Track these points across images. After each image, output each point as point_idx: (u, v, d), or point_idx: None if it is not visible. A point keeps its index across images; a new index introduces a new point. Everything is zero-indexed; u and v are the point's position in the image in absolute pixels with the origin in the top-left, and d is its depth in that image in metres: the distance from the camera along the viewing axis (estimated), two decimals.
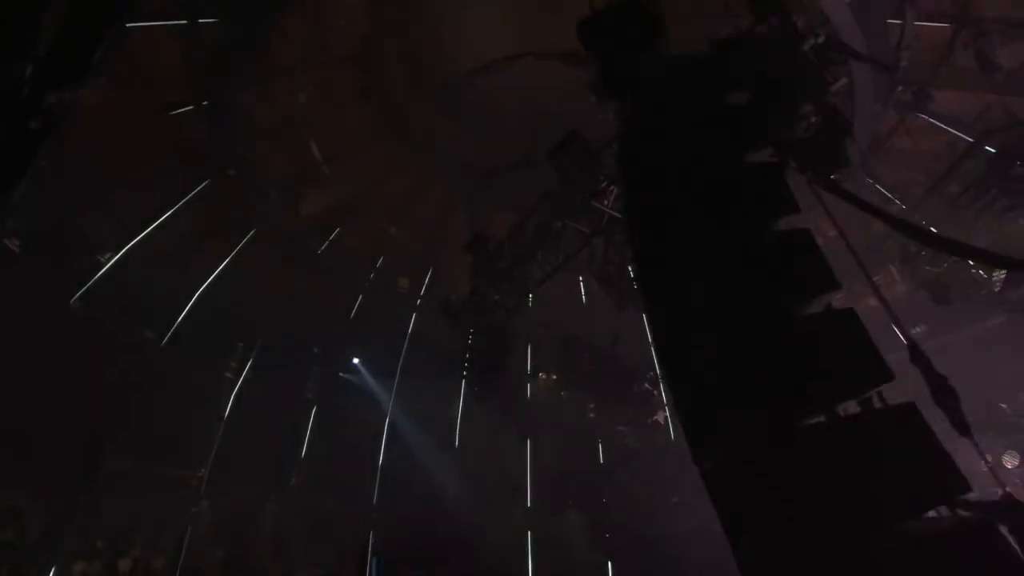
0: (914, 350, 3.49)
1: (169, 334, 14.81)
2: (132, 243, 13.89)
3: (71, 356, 12.71)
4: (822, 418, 2.78)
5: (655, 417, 11.97)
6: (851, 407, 2.84)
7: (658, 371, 10.24)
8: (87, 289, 13.39)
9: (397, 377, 17.54)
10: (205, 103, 12.71)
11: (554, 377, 15.88)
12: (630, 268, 8.15)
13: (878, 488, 2.48)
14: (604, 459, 17.02)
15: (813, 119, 5.44)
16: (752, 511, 2.71)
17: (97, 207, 13.57)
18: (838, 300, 3.33)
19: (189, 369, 14.70)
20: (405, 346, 17.28)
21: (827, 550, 2.41)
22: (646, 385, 10.02)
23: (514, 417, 14.27)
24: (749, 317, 3.10)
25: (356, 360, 17.46)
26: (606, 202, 7.88)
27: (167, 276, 14.72)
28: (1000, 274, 8.61)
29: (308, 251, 16.41)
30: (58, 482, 13.04)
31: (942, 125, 10.49)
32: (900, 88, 9.49)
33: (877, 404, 2.86)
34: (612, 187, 7.53)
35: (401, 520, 17.94)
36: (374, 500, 17.97)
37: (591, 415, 16.55)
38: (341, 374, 17.41)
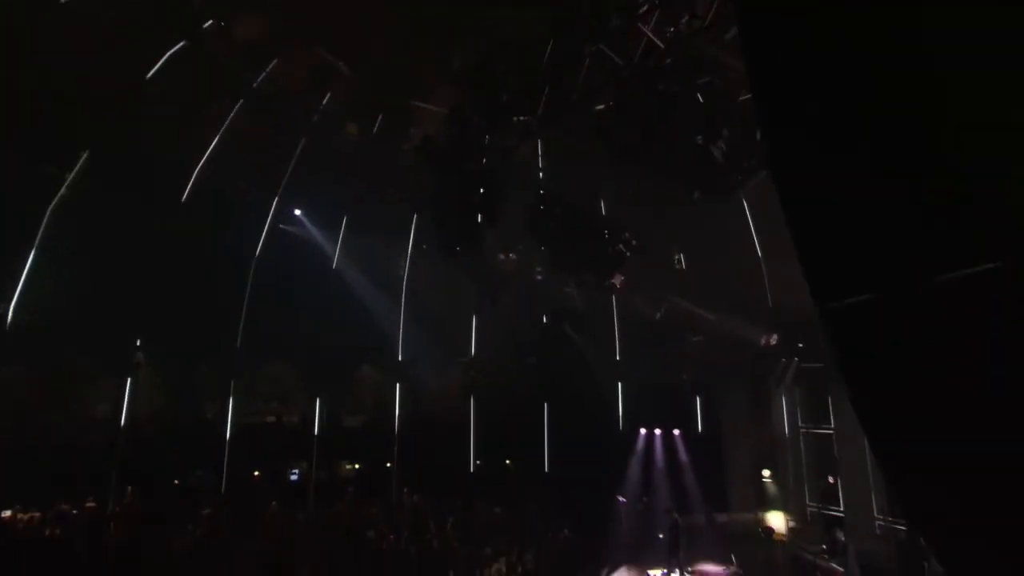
0: None
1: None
2: None
3: None
4: (966, 272, 2.57)
5: (613, 280, 12.30)
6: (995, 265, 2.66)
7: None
8: None
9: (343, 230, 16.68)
10: None
11: (517, 250, 15.73)
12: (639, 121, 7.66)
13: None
14: (549, 320, 17.73)
15: None
16: (878, 358, 2.63)
17: None
18: None
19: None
20: (355, 197, 16.18)
21: (953, 403, 2.37)
22: (620, 246, 10.07)
23: (474, 276, 14.22)
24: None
25: (298, 212, 16.29)
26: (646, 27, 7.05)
27: None
28: None
29: (241, 84, 14.21)
30: None
31: None
32: None
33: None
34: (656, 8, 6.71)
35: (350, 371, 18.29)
36: (321, 354, 18.02)
37: (538, 277, 16.94)
38: (282, 226, 16.27)
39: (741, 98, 7.07)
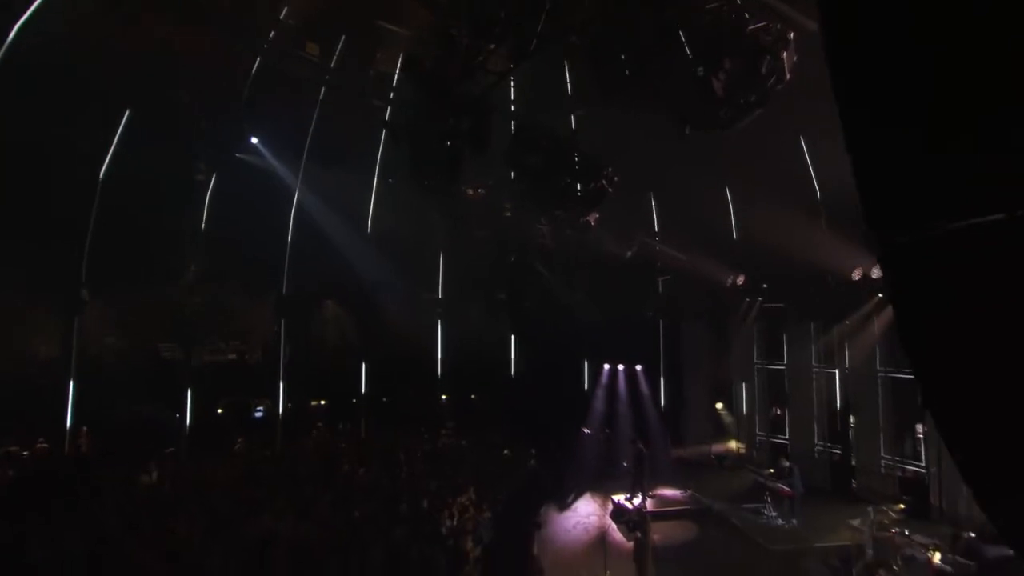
0: None
1: None
2: None
3: None
4: None
5: (588, 217, 12.15)
6: None
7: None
8: None
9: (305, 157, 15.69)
10: None
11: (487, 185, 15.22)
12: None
13: None
14: (519, 256, 17.57)
15: None
16: (935, 298, 2.51)
17: None
18: None
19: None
20: (314, 123, 15.16)
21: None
22: (602, 182, 9.80)
23: (444, 210, 13.78)
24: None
25: (255, 139, 15.16)
26: None
27: None
28: None
29: None
30: None
31: None
32: None
33: None
34: None
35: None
36: (284, 290, 17.48)
37: (507, 214, 16.63)
38: (238, 155, 15.16)
39: (749, 27, 6.74)
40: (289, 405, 17.90)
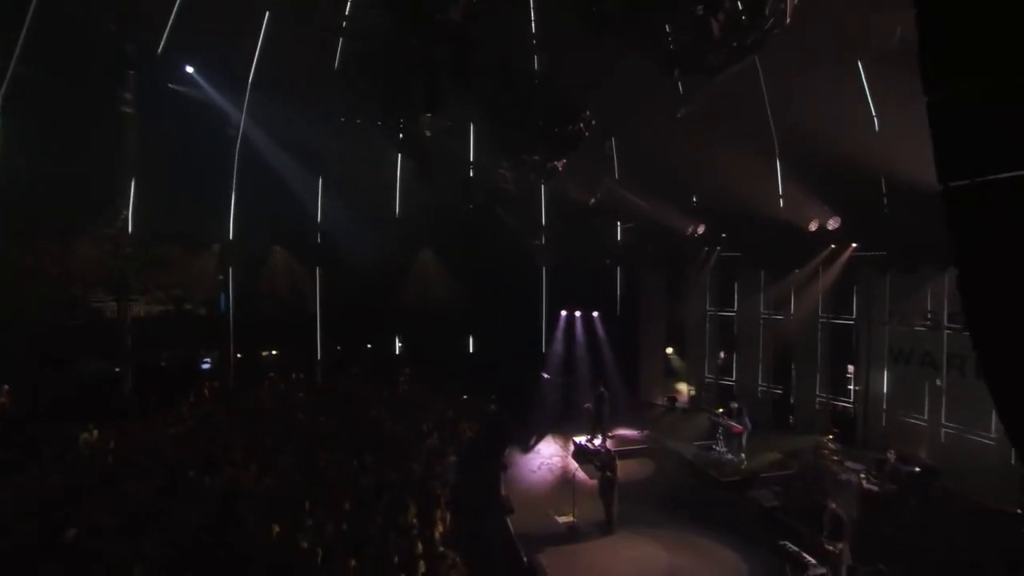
0: None
1: None
2: None
3: None
4: None
5: (556, 162, 11.88)
6: None
7: None
8: None
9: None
10: None
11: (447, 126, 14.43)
12: None
13: None
14: (481, 201, 17.11)
15: None
16: (997, 242, 2.47)
17: None
18: None
19: None
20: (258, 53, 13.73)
21: None
22: (580, 125, 9.46)
23: (407, 151, 13.03)
24: None
25: (191, 68, 13.63)
26: None
27: None
28: None
29: None
30: None
31: None
32: None
33: None
34: None
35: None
36: (230, 235, 16.38)
37: (467, 156, 16.02)
38: (171, 85, 13.62)
39: None
40: (239, 356, 17.19)
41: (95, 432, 11.73)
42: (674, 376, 18.27)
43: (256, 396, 15.10)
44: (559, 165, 12.01)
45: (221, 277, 17.60)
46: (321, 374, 17.42)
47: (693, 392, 17.72)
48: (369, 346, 20.21)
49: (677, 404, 17.41)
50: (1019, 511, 10.00)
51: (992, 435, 11.70)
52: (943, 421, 12.62)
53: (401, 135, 11.35)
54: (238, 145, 14.92)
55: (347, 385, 16.83)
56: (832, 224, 12.53)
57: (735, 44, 6.65)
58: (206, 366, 17.46)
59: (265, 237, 16.59)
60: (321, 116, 14.48)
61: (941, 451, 12.05)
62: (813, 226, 12.92)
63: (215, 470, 10.14)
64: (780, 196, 12.80)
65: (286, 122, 14.54)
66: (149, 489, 9.41)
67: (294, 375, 16.71)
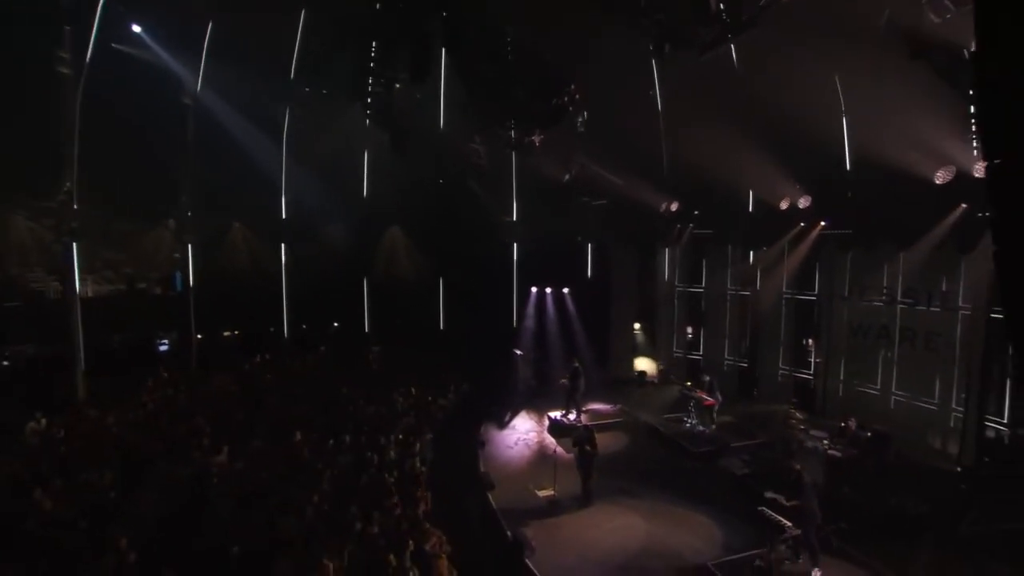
0: None
1: None
2: None
3: None
4: None
5: (533, 137, 11.67)
6: None
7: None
8: None
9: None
10: None
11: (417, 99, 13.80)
12: None
13: None
14: (452, 175, 16.75)
15: None
16: None
17: None
18: None
19: None
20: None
21: None
22: (565, 98, 9.23)
23: (380, 122, 12.44)
24: None
25: (138, 27, 12.53)
26: None
27: None
28: None
29: None
30: None
31: None
32: None
33: None
34: None
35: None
36: (189, 213, 15.46)
37: (439, 132, 15.56)
38: (115, 44, 12.50)
39: None
40: (199, 337, 16.42)
41: (43, 421, 11.01)
42: (640, 351, 18.64)
43: (220, 378, 14.51)
44: (536, 140, 11.80)
45: (177, 254, 16.67)
46: (288, 354, 16.83)
47: (662, 367, 18.15)
48: (336, 324, 19.71)
49: (647, 379, 17.80)
50: (958, 469, 10.86)
51: (935, 401, 12.55)
52: (894, 390, 13.42)
53: (375, 107, 10.84)
54: (193, 113, 13.92)
55: (316, 364, 16.40)
56: (803, 203, 12.87)
57: (729, 20, 6.58)
58: (163, 348, 16.63)
59: (225, 212, 15.68)
60: (285, 85, 13.65)
61: (891, 417, 12.82)
62: (784, 204, 13.25)
63: (182, 457, 9.72)
64: (753, 175, 13.00)
65: (246, 90, 13.65)
66: (110, 479, 8.93)
67: (259, 356, 16.12)
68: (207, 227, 15.72)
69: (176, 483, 8.83)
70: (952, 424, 12.10)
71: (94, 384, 13.50)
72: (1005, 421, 11.04)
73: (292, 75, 13.77)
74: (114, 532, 7.02)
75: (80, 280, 13.91)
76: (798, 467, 7.92)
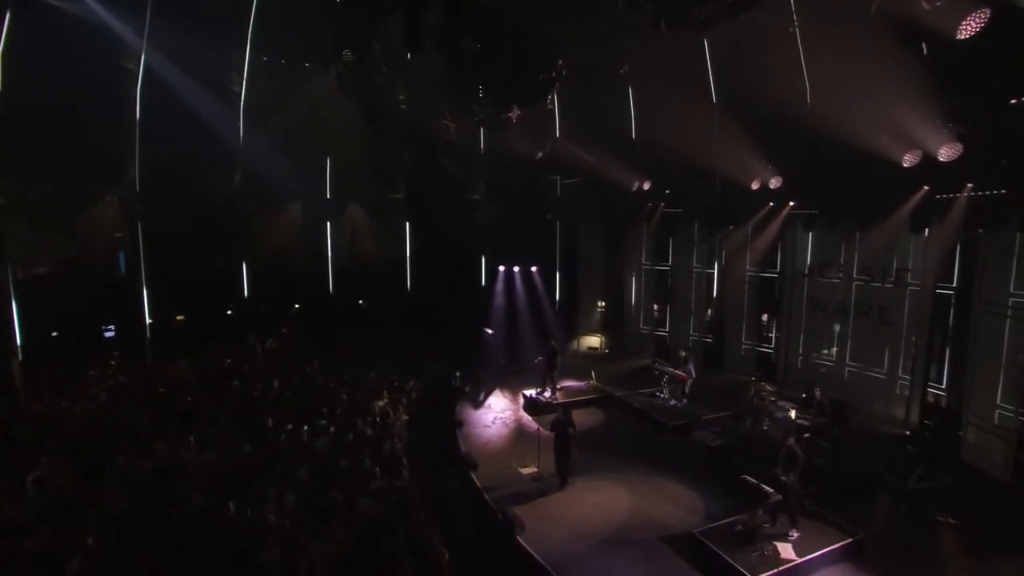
0: None
1: None
2: None
3: None
4: None
5: (510, 113, 11.35)
6: None
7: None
8: None
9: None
10: None
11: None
12: None
13: None
14: (421, 153, 16.21)
15: None
16: None
17: None
18: None
19: None
20: None
21: None
22: (551, 74, 8.92)
23: (352, 95, 11.69)
24: None
25: None
26: None
27: None
28: None
29: None
30: None
31: None
32: None
33: None
34: None
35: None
36: (137, 187, 14.31)
37: (403, 106, 14.99)
38: (54, 2, 11.19)
39: None
40: (151, 322, 15.37)
41: None
42: (605, 328, 18.94)
43: (175, 364, 13.68)
44: (512, 117, 11.51)
45: (119, 234, 15.41)
46: (249, 337, 16.00)
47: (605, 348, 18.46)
48: (297, 306, 18.92)
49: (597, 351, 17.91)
50: (907, 433, 11.71)
51: (884, 371, 13.39)
52: (848, 361, 14.19)
53: (349, 77, 10.23)
54: (140, 80, 12.76)
55: (280, 347, 15.72)
56: (774, 183, 13.21)
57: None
58: (110, 335, 15.48)
59: (175, 187, 14.55)
60: (241, 53, 12.69)
61: (844, 387, 13.58)
62: (755, 184, 13.56)
63: (143, 448, 9.11)
64: (725, 155, 13.18)
65: (199, 56, 12.59)
66: (63, 474, 8.27)
67: (216, 339, 15.24)
68: (156, 204, 14.56)
69: (139, 476, 8.28)
70: (898, 391, 12.97)
71: (34, 375, 12.41)
72: (943, 386, 11.93)
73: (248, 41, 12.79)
74: (78, 531, 6.51)
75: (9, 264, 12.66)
76: (790, 442, 8.18)
